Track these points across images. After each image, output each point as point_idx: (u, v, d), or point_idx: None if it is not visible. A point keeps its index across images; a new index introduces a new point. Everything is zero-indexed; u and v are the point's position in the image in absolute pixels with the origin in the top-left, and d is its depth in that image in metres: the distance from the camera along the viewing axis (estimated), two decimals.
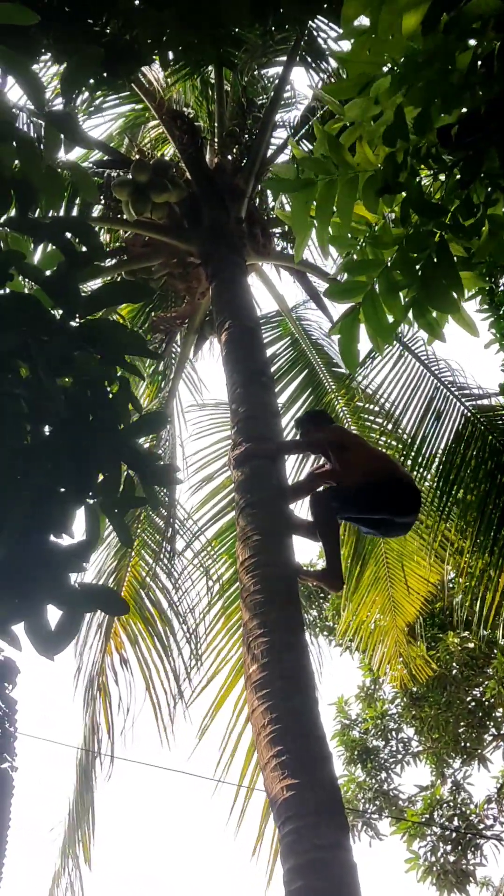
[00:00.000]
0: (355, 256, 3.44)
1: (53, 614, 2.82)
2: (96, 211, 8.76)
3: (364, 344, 3.39)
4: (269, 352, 8.72)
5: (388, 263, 3.03)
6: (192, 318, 8.70)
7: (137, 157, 8.42)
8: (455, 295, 3.11)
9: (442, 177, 3.30)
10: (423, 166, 3.09)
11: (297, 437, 6.86)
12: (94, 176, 8.71)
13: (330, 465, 6.29)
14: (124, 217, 8.10)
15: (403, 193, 3.02)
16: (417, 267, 3.03)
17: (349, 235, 3.33)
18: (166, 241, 8.25)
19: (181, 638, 8.54)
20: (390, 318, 3.23)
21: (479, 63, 3.13)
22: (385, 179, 2.97)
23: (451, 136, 3.04)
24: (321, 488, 6.15)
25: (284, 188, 3.44)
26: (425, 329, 3.22)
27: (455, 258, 3.12)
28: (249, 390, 6.37)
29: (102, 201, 8.45)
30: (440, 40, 2.79)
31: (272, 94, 8.94)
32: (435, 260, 2.96)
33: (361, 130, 3.24)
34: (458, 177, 3.02)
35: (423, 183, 3.21)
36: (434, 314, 3.16)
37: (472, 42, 3.09)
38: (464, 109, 3.05)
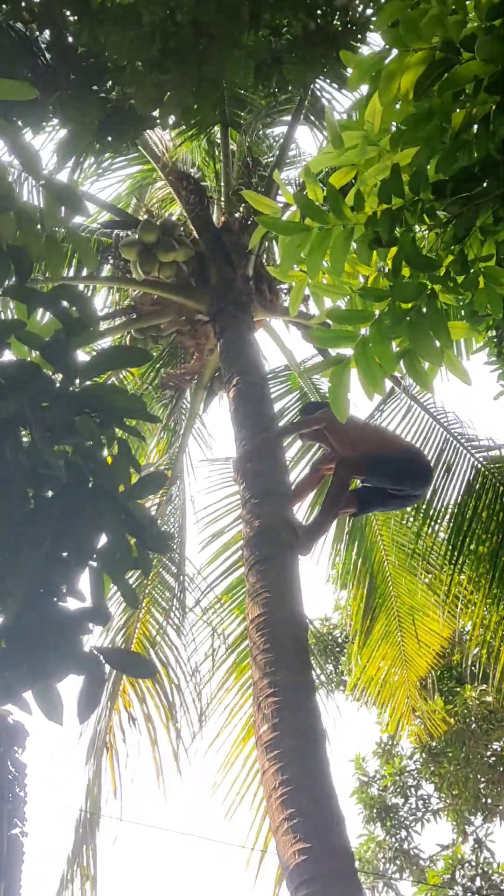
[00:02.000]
0: (342, 305, 3.47)
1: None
2: (105, 271, 8.87)
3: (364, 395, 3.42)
4: (277, 406, 8.75)
5: (378, 314, 3.04)
6: (202, 374, 8.76)
7: (145, 217, 8.54)
8: (442, 345, 3.11)
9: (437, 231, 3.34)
10: (418, 222, 3.12)
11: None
12: (103, 236, 8.84)
13: (330, 449, 6.46)
14: (133, 276, 8.20)
15: (396, 247, 3.05)
16: (407, 317, 3.04)
17: (339, 286, 3.36)
18: (175, 299, 8.34)
19: (190, 695, 8.47)
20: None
21: (474, 123, 3.19)
22: (378, 233, 3.00)
23: (447, 191, 3.08)
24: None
25: (278, 229, 3.46)
26: (415, 378, 3.23)
27: (446, 308, 3.15)
28: (258, 445, 6.38)
29: (111, 261, 8.56)
30: (436, 102, 2.84)
31: (277, 152, 9.09)
32: (424, 310, 2.97)
33: (360, 183, 3.29)
34: (453, 232, 3.06)
35: (417, 237, 3.24)
36: (425, 365, 3.17)
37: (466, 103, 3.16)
38: (458, 166, 3.09)
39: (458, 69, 2.87)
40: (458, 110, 3.17)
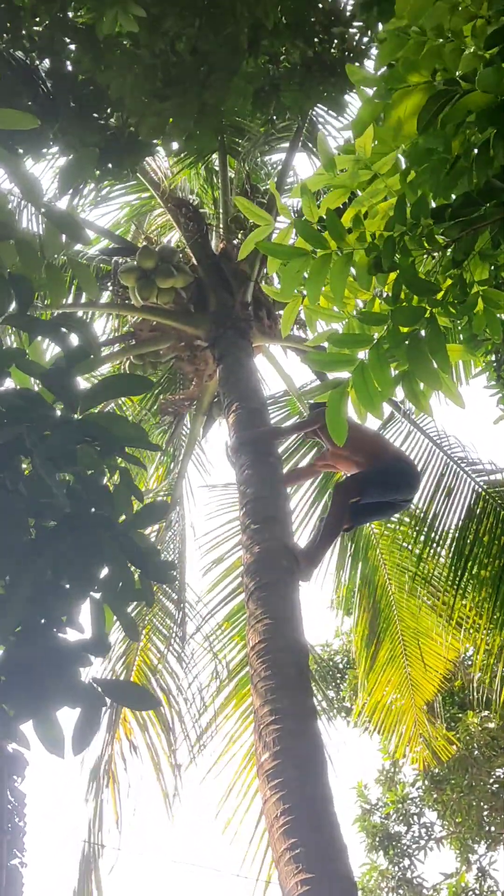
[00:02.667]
0: (340, 329, 3.46)
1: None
2: (104, 297, 8.89)
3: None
4: None
5: (377, 338, 3.03)
6: (201, 399, 8.76)
7: (144, 243, 8.57)
8: (440, 368, 3.10)
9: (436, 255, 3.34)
10: (417, 247, 3.12)
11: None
12: (101, 263, 8.87)
13: (327, 451, 6.67)
14: (131, 303, 8.21)
15: (395, 272, 3.05)
16: (406, 341, 3.04)
17: (335, 309, 3.36)
18: (173, 325, 8.36)
19: (190, 722, 8.41)
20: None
21: (472, 148, 3.20)
22: (379, 258, 3.00)
23: (446, 216, 3.09)
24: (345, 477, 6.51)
25: (278, 254, 3.47)
26: (412, 400, 3.22)
27: (444, 330, 3.14)
28: (257, 471, 6.37)
29: (110, 287, 8.58)
30: (439, 134, 2.85)
31: (275, 179, 9.13)
32: (423, 334, 2.97)
33: (356, 205, 3.29)
34: (452, 256, 3.06)
35: (416, 261, 3.24)
36: (421, 386, 3.16)
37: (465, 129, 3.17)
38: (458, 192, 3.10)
39: (460, 101, 2.87)
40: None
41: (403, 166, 3.33)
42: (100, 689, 2.58)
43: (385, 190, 3.11)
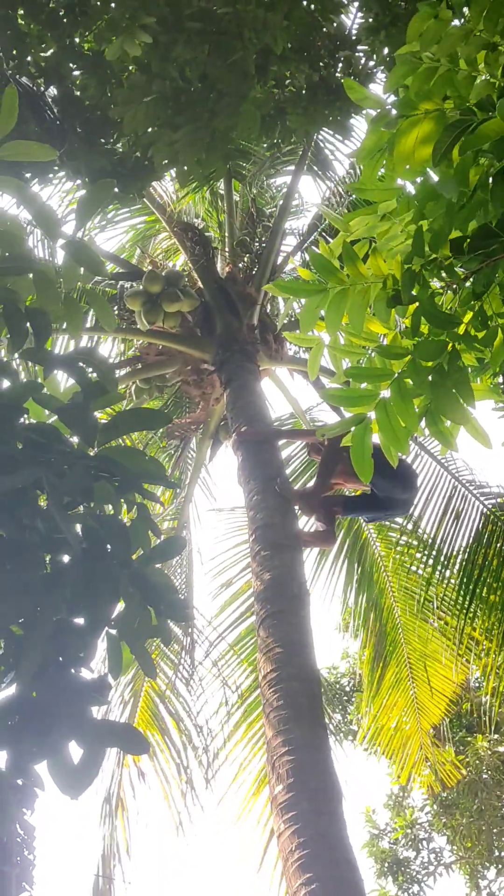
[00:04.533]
0: (362, 364, 3.42)
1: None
2: None
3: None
4: (284, 454, 8.70)
5: (398, 373, 2.99)
6: (207, 423, 8.73)
7: (149, 267, 8.56)
8: (466, 404, 3.06)
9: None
10: (435, 279, 3.08)
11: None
12: (107, 287, 8.85)
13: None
14: (138, 327, 8.19)
15: (415, 305, 3.01)
16: (429, 376, 2.99)
17: (358, 347, 3.32)
18: (180, 349, 8.34)
19: (199, 748, 8.35)
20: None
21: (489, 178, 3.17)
22: (398, 291, 2.97)
23: (464, 247, 3.06)
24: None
25: (295, 293, 3.43)
26: (438, 438, 3.17)
27: (468, 368, 3.10)
28: (266, 497, 6.33)
29: (116, 312, 8.56)
30: (457, 164, 2.82)
31: (281, 203, 9.13)
32: (446, 369, 2.92)
33: (377, 247, 3.26)
34: (472, 288, 3.02)
35: (435, 294, 3.20)
36: (447, 423, 3.11)
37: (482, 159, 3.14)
38: (476, 224, 3.07)
39: (480, 130, 2.84)
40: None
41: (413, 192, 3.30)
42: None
43: (403, 234, 3.08)
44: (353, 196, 8.46)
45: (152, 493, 2.48)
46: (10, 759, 2.61)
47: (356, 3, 6.09)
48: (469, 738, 12.37)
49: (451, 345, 2.92)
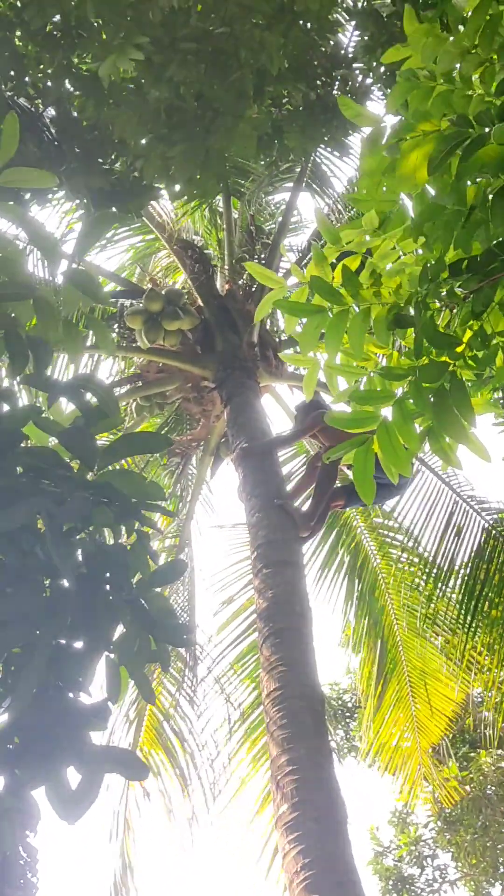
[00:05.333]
0: (362, 386, 3.42)
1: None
2: None
3: None
4: (285, 469, 8.71)
5: (399, 393, 2.99)
6: (208, 440, 8.73)
7: (149, 286, 8.57)
8: (466, 422, 3.06)
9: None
10: (435, 300, 3.09)
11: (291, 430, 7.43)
12: (107, 305, 8.86)
13: (323, 446, 6.92)
14: (138, 345, 8.20)
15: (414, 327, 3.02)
16: (430, 396, 2.99)
17: (356, 364, 3.32)
18: (180, 366, 8.34)
19: (203, 766, 8.32)
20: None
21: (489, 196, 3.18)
22: (398, 314, 2.97)
23: (463, 268, 3.06)
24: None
25: (296, 312, 3.43)
26: (439, 455, 3.17)
27: (467, 383, 3.10)
28: (268, 514, 6.33)
29: (116, 330, 8.57)
30: (452, 186, 2.83)
31: (279, 219, 9.16)
32: (447, 389, 2.92)
33: (370, 266, 3.27)
34: (471, 308, 3.02)
35: (435, 314, 3.20)
36: (447, 439, 3.11)
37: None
38: (475, 245, 3.07)
39: (478, 154, 2.85)
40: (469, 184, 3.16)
41: (412, 214, 3.31)
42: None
43: (395, 253, 3.08)
44: (353, 211, 8.49)
45: (151, 520, 2.47)
46: (7, 784, 2.60)
47: (352, 22, 6.13)
48: (472, 754, 12.31)
49: (452, 365, 2.92)
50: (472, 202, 3.07)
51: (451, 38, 3.28)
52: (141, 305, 8.09)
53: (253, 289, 8.59)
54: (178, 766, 8.42)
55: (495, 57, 3.31)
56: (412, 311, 2.85)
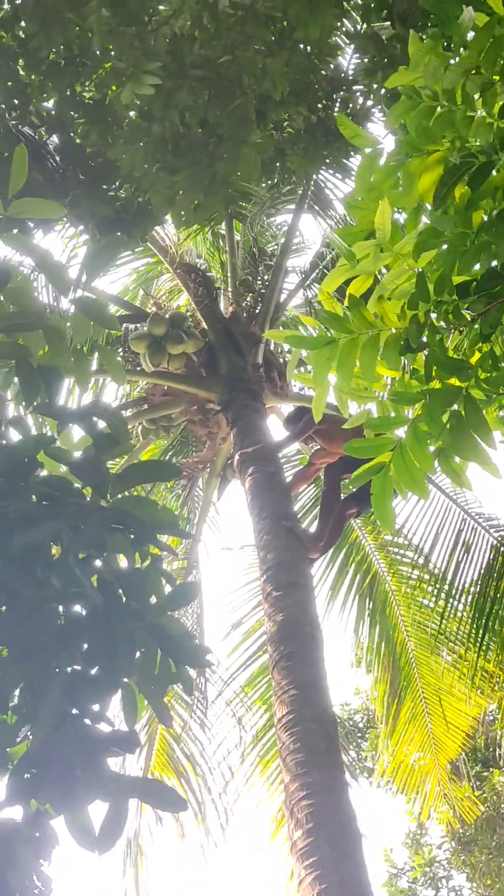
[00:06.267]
0: (374, 411, 3.42)
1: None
2: None
3: None
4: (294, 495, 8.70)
5: (412, 417, 2.99)
6: (214, 462, 8.73)
7: (153, 309, 8.60)
8: (483, 442, 3.06)
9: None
10: (443, 323, 3.09)
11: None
12: (111, 330, 8.89)
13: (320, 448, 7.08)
14: (143, 368, 8.22)
15: (425, 352, 3.02)
16: (445, 419, 2.99)
17: (367, 389, 3.32)
18: (185, 389, 8.36)
19: (216, 790, 8.28)
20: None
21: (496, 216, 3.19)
22: (408, 339, 2.98)
23: (470, 290, 3.06)
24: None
25: (306, 345, 3.44)
26: (450, 475, 3.16)
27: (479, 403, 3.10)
28: (277, 536, 6.32)
29: (121, 353, 8.60)
30: (458, 208, 2.84)
31: (282, 241, 9.19)
32: (463, 413, 2.92)
33: (381, 289, 3.28)
34: (479, 330, 3.03)
35: (444, 337, 3.21)
36: (457, 459, 3.11)
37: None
38: (481, 267, 3.08)
39: (489, 181, 2.87)
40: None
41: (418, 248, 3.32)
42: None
43: (408, 271, 3.09)
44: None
45: (166, 545, 2.47)
46: (26, 813, 2.58)
47: (352, 46, 6.17)
48: (485, 773, 12.22)
49: (464, 388, 2.92)
50: (477, 225, 3.08)
51: (456, 59, 3.30)
52: (145, 329, 8.11)
53: (256, 311, 8.62)
54: (190, 790, 8.38)
55: (497, 78, 3.33)
56: (416, 332, 2.85)
